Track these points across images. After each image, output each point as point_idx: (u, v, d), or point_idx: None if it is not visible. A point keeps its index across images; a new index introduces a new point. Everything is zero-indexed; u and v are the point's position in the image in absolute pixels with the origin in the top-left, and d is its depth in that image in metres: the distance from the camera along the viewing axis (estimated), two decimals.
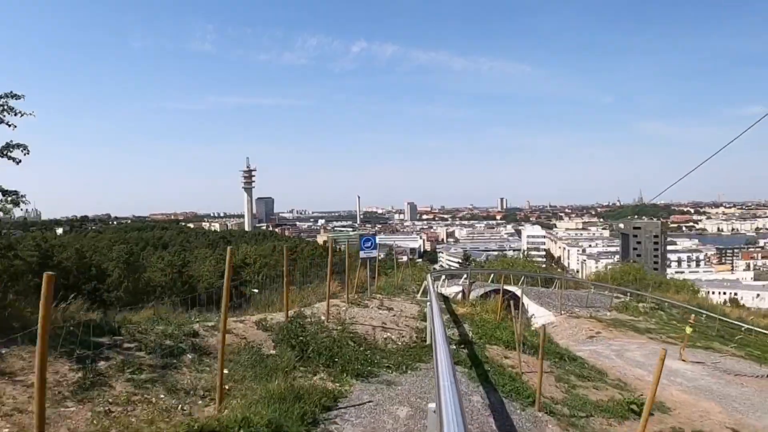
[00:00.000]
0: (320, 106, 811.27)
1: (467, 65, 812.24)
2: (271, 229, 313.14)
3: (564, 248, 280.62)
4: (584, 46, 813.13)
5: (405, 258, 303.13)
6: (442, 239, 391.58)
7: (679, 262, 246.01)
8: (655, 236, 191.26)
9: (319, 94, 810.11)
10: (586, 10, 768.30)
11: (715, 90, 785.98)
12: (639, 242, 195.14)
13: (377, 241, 16.82)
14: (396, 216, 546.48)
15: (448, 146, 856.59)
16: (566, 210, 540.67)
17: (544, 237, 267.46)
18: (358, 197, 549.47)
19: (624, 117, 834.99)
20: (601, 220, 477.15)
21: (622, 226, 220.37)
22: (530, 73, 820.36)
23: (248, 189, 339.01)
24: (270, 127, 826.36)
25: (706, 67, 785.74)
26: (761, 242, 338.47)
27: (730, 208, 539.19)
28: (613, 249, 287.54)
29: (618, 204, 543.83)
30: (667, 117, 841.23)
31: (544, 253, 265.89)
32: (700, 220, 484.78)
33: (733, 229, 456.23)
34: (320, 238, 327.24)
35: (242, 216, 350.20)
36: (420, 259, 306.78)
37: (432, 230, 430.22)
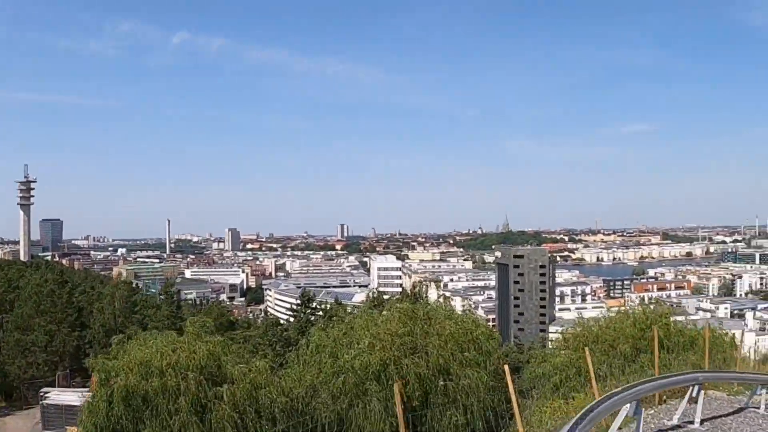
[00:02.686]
0: (127, 109, 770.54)
1: (310, 67, 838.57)
2: (57, 259, 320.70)
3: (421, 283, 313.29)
4: (449, 52, 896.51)
5: (224, 296, 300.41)
6: (270, 273, 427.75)
7: (562, 296, 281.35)
8: (542, 266, 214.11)
9: (129, 94, 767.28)
10: (453, 12, 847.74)
11: (593, 107, 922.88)
12: (521, 274, 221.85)
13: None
14: (215, 245, 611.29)
15: (280, 163, 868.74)
16: (419, 239, 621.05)
17: (399, 269, 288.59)
18: (168, 222, 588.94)
19: (490, 134, 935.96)
20: (462, 249, 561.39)
21: (498, 254, 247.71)
22: (384, 80, 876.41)
23: (26, 206, 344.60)
24: (63, 132, 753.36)
25: (583, 82, 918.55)
26: (651, 272, 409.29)
27: (609, 235, 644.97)
28: (480, 283, 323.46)
29: (480, 231, 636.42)
30: (539, 135, 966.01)
31: (399, 289, 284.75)
32: (576, 249, 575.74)
33: (614, 259, 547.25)
34: (118, 271, 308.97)
35: (17, 242, 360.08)
36: (242, 298, 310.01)
37: (258, 262, 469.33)
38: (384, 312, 26.46)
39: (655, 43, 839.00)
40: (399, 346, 21.70)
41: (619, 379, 20.32)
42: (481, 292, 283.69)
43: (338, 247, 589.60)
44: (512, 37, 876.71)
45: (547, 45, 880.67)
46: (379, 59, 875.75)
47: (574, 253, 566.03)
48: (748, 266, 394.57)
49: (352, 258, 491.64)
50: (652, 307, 29.42)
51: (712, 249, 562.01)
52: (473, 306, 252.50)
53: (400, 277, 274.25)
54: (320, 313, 61.18)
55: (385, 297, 64.14)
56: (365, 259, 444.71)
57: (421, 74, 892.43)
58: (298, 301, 65.83)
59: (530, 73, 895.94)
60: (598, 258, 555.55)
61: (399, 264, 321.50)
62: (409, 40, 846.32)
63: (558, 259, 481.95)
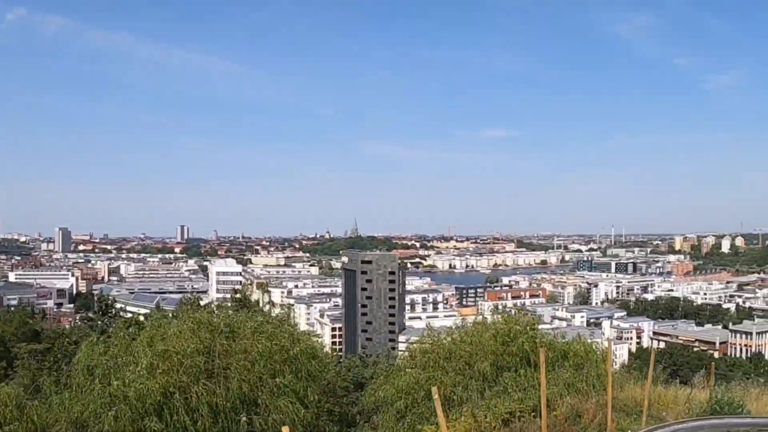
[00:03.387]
0: None
1: (155, 55, 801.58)
2: None
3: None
4: (305, 47, 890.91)
5: (51, 302, 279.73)
6: (103, 277, 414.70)
7: (413, 305, 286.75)
8: (391, 273, 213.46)
9: None
10: (309, 6, 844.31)
11: (452, 110, 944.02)
12: (369, 280, 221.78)
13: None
14: (44, 245, 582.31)
15: (119, 158, 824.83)
16: (263, 242, 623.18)
17: (239, 274, 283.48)
18: None
19: (344, 135, 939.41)
20: (308, 254, 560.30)
21: (345, 259, 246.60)
22: (235, 73, 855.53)
23: None
24: None
25: (442, 85, 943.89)
26: (505, 280, 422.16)
27: (462, 242, 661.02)
28: (327, 290, 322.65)
29: (328, 236, 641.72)
30: (395, 138, 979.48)
31: (239, 296, 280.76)
32: (428, 256, 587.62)
33: (468, 266, 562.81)
34: None
35: None
36: (71, 305, 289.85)
37: (90, 265, 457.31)
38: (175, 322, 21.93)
39: (520, 49, 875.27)
40: (189, 369, 17.56)
41: (477, 403, 18.80)
42: (328, 300, 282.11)
43: (177, 249, 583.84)
44: (372, 35, 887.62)
45: (407, 46, 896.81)
46: (230, 51, 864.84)
47: (426, 259, 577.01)
48: (604, 275, 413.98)
49: (191, 262, 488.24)
50: (514, 314, 26.39)
51: (567, 257, 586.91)
52: (319, 314, 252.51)
53: (241, 283, 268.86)
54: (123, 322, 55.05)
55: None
56: (205, 263, 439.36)
57: (275, 69, 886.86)
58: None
59: (389, 74, 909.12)
60: (450, 265, 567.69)
61: (239, 269, 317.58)
62: (263, 32, 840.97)
63: (409, 265, 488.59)
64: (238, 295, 71.10)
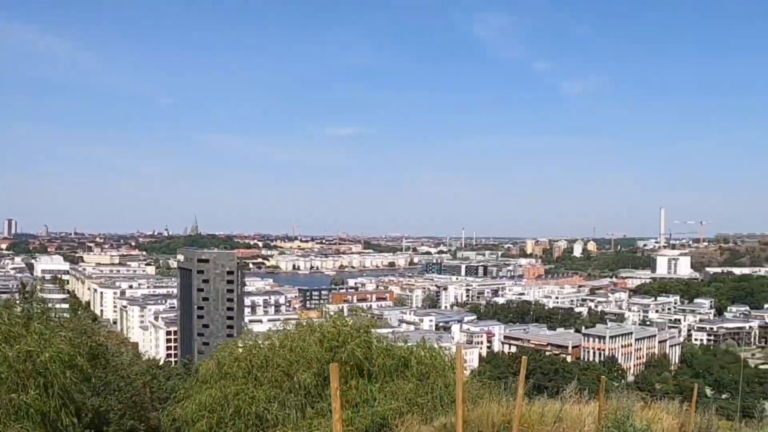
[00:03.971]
0: None
1: None
2: None
3: (95, 290, 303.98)
4: (147, 33, 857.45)
5: None
6: None
7: (254, 307, 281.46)
8: (230, 272, 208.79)
9: None
10: None
11: (299, 106, 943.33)
12: (206, 280, 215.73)
13: None
14: None
15: None
16: (98, 239, 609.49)
17: (68, 273, 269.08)
18: None
19: (186, 126, 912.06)
20: (144, 253, 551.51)
21: (181, 258, 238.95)
22: (74, 55, 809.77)
23: None
24: None
25: (291, 79, 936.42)
26: (351, 282, 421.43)
27: (307, 242, 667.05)
28: (163, 291, 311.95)
29: (167, 233, 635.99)
30: (239, 132, 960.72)
31: (65, 295, 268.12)
32: (271, 256, 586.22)
33: (312, 267, 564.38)
34: None
35: None
36: None
37: None
38: None
39: (373, 45, 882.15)
40: None
41: (297, 424, 17.23)
42: (163, 301, 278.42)
43: (3, 246, 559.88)
44: (218, 26, 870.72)
45: (257, 38, 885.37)
46: (70, 31, 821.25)
47: (269, 260, 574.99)
48: (454, 278, 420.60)
49: (18, 259, 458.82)
50: (347, 317, 22.87)
51: (416, 259, 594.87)
52: (154, 317, 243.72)
53: (69, 282, 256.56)
54: None
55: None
56: (33, 260, 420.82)
57: (116, 53, 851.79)
58: None
59: (235, 66, 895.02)
60: (294, 266, 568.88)
61: (67, 266, 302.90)
62: (105, 13, 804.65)
63: (251, 266, 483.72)
64: (27, 289, 64.07)
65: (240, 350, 21.67)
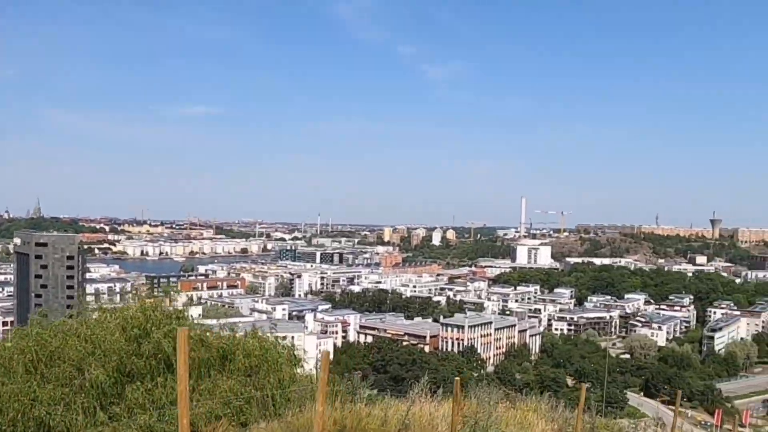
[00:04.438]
0: None
1: None
2: None
3: None
4: None
5: None
6: None
7: (97, 294, 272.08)
8: (70, 257, 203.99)
9: None
10: None
11: (149, 83, 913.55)
12: (45, 266, 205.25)
13: None
14: None
15: None
16: None
17: None
18: None
19: (27, 100, 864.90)
20: None
21: (18, 241, 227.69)
22: None
23: None
24: None
25: (139, 55, 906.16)
26: (201, 269, 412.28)
27: (156, 226, 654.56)
28: (0, 278, 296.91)
29: (7, 216, 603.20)
30: (85, 108, 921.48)
31: None
32: (119, 241, 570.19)
33: (162, 253, 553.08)
34: None
35: None
36: None
37: None
38: None
39: (230, 19, 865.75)
40: None
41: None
42: (1, 289, 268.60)
43: None
44: None
45: (103, 9, 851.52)
46: None
47: (116, 245, 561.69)
48: (308, 265, 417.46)
49: None
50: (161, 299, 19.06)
51: (270, 246, 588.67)
52: None
53: None
54: None
55: None
56: None
57: None
58: None
59: (80, 38, 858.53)
60: (143, 252, 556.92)
61: None
62: None
63: (97, 251, 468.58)
64: None
65: (27, 343, 17.11)
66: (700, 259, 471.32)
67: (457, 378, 14.37)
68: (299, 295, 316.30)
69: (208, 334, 17.86)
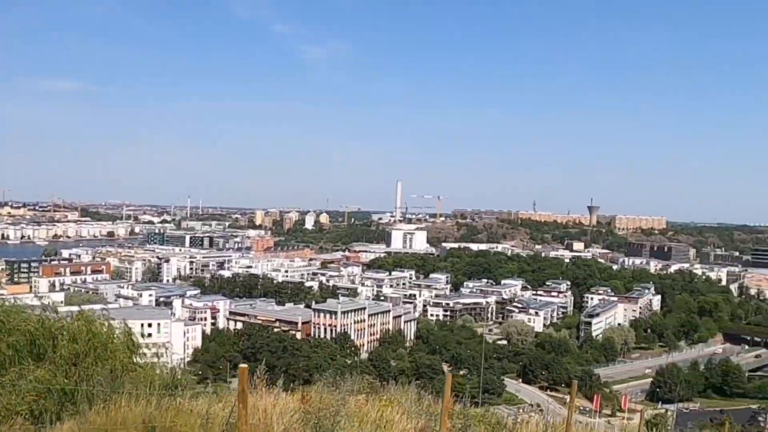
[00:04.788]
0: None
1: None
2: None
3: None
4: None
5: None
6: None
7: None
8: None
9: None
10: None
11: (12, 55, 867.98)
12: None
13: None
14: None
15: None
16: None
17: None
18: None
19: None
20: None
21: None
22: None
23: None
24: None
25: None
26: (65, 253, 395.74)
27: (18, 208, 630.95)
28: None
29: None
30: None
31: None
32: None
33: (23, 236, 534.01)
34: None
35: None
36: None
37: None
38: None
39: None
40: None
41: None
42: None
43: None
44: None
45: None
46: None
47: None
48: (177, 249, 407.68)
49: None
50: None
51: (137, 229, 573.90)
52: None
53: None
54: None
55: None
56: None
57: None
58: None
59: None
60: (3, 235, 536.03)
61: None
62: None
63: None
64: None
65: None
66: (578, 245, 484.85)
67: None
68: (167, 281, 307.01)
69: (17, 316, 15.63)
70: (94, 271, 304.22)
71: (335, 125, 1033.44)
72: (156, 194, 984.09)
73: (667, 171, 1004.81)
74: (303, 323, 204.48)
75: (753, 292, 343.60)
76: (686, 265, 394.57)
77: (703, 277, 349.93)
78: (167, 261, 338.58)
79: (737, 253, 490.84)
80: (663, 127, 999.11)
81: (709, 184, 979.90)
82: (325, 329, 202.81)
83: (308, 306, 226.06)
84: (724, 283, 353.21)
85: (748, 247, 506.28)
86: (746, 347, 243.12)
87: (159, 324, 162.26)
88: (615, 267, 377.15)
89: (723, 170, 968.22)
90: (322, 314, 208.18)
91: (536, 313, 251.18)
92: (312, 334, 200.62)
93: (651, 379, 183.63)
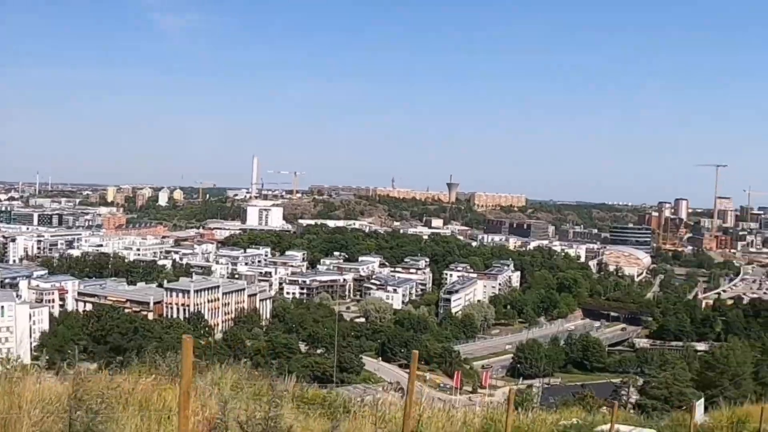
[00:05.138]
0: None
1: None
2: None
3: None
4: None
5: None
6: None
7: None
8: None
9: None
10: None
11: None
12: None
13: None
14: None
15: None
16: None
17: None
18: None
19: None
20: None
21: None
22: None
23: None
24: None
25: None
26: None
27: None
28: None
29: None
30: None
31: None
32: None
33: None
34: None
35: None
36: None
37: None
38: None
39: None
40: None
41: None
42: None
43: None
44: None
45: None
46: None
47: None
48: (25, 228, 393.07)
49: None
50: None
51: None
52: None
53: None
54: None
55: None
56: None
57: None
58: None
59: None
60: None
61: None
62: None
63: None
64: None
65: None
66: (437, 222, 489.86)
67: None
68: (14, 261, 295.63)
69: None
70: None
71: (191, 98, 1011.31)
72: (2, 170, 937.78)
73: (527, 149, 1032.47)
74: (155, 303, 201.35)
75: (611, 268, 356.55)
76: (545, 242, 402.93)
77: (562, 253, 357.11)
78: (13, 240, 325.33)
79: (596, 231, 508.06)
80: (523, 106, 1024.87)
81: (568, 164, 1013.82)
82: (178, 309, 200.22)
83: (161, 285, 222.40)
84: (583, 259, 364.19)
85: (606, 225, 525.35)
86: (605, 322, 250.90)
87: (2, 307, 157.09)
88: (474, 244, 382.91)
89: (582, 150, 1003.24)
90: (174, 293, 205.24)
91: (395, 290, 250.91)
92: (164, 315, 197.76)
93: (511, 355, 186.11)
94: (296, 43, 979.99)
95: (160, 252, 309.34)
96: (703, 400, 23.78)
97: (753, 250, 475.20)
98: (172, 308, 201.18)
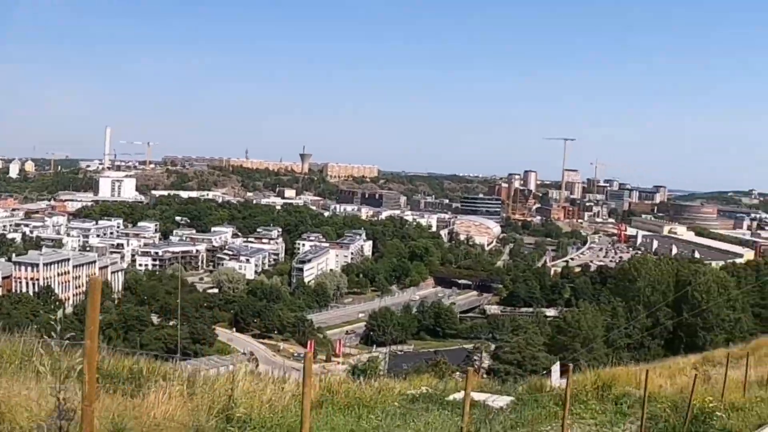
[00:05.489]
0: None
1: None
2: None
3: None
4: None
5: None
6: None
7: None
8: None
9: None
10: None
11: None
12: None
13: None
14: None
15: None
16: None
17: None
18: None
19: None
20: None
21: None
22: None
23: None
24: None
25: None
26: None
27: None
28: None
29: None
30: None
31: None
32: None
33: None
34: None
35: None
36: None
37: None
38: None
39: None
40: None
41: None
42: None
43: None
44: None
45: None
46: None
47: None
48: None
49: None
50: None
51: None
52: None
53: None
54: None
55: None
56: None
57: None
58: None
59: None
60: None
61: None
62: None
63: None
64: None
65: None
66: (289, 192, 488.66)
67: None
68: None
69: None
70: None
71: (43, 67, 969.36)
72: None
73: (379, 121, 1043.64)
74: (3, 278, 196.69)
75: (462, 237, 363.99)
76: (397, 212, 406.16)
77: (414, 223, 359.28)
78: None
79: (447, 201, 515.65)
80: (375, 78, 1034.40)
81: (420, 136, 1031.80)
82: (27, 283, 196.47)
83: (10, 259, 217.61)
84: (434, 229, 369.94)
85: (457, 196, 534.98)
86: (457, 290, 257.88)
87: None
88: (327, 214, 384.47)
89: (433, 122, 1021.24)
90: (23, 267, 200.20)
91: (247, 260, 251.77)
92: (13, 290, 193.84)
93: (364, 323, 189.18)
94: (148, 13, 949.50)
95: (10, 225, 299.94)
96: (558, 364, 23.49)
97: (599, 220, 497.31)
98: (21, 283, 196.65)
